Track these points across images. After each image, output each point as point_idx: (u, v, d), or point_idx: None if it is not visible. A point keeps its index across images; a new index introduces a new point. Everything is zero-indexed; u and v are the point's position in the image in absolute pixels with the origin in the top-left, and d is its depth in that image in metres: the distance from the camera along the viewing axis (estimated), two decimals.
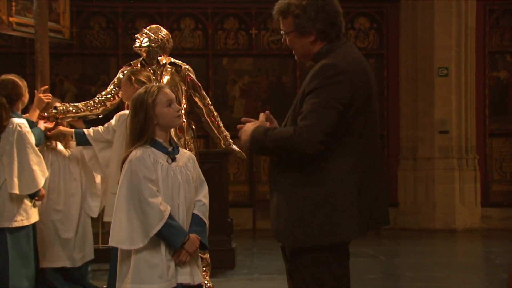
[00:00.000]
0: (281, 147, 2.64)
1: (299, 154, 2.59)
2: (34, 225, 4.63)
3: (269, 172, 2.89)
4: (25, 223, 4.48)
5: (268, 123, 2.81)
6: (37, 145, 4.67)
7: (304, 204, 2.63)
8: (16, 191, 4.38)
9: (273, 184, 2.79)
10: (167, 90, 3.13)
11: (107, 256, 6.31)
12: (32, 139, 4.47)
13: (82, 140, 4.87)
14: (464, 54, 9.69)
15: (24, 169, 4.41)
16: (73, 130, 4.94)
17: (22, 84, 4.59)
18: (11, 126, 4.43)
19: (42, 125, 4.85)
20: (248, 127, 2.76)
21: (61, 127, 4.99)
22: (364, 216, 2.66)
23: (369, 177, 2.69)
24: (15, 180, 4.37)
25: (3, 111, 4.45)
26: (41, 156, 4.55)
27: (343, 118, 2.60)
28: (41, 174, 4.50)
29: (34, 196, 4.53)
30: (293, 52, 2.89)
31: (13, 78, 4.59)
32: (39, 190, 4.53)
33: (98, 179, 5.16)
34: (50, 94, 5.04)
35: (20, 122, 4.47)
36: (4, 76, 4.63)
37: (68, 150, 5.07)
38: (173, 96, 3.15)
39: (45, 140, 4.86)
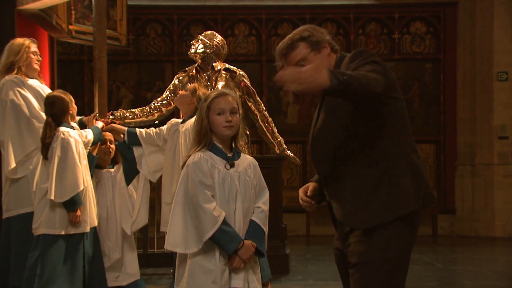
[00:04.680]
0: (365, 82, 2.52)
1: (377, 89, 2.54)
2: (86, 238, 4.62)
3: (328, 163, 2.83)
4: (60, 232, 4.46)
5: None
6: (96, 142, 4.74)
7: (364, 186, 2.69)
8: (52, 197, 4.38)
9: (329, 178, 2.81)
10: (227, 98, 3.09)
11: (162, 261, 6.41)
12: (74, 147, 4.44)
13: (133, 140, 4.88)
14: None
15: (59, 176, 4.40)
16: (126, 128, 4.96)
17: (67, 98, 4.61)
18: (57, 134, 4.49)
19: (99, 124, 4.94)
20: (303, 69, 2.47)
21: (114, 124, 5.02)
22: (420, 190, 2.72)
23: (416, 155, 2.77)
24: (52, 186, 4.38)
25: (48, 129, 4.50)
26: (80, 167, 4.47)
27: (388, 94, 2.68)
28: (73, 184, 4.43)
29: (70, 209, 4.45)
30: None
31: (58, 94, 4.59)
32: (75, 203, 4.45)
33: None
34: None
35: (65, 129, 4.49)
36: (49, 94, 4.66)
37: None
38: (231, 106, 3.08)
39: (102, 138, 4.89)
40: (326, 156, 2.82)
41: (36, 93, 4.89)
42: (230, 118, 3.06)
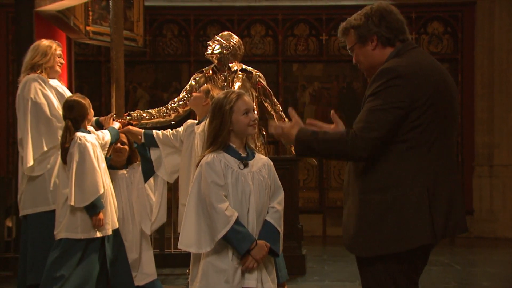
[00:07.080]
0: (332, 149, 2.64)
1: (351, 157, 2.61)
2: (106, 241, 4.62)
3: (344, 180, 2.86)
4: (81, 236, 4.48)
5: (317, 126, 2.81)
6: (113, 143, 4.77)
7: (370, 212, 2.61)
8: (72, 202, 4.41)
9: (345, 192, 2.79)
10: (246, 98, 3.15)
11: (178, 261, 6.43)
12: (91, 152, 4.46)
13: (150, 141, 4.91)
14: None
15: (78, 181, 4.43)
16: (142, 130, 4.99)
17: (86, 102, 4.64)
18: (74, 139, 4.49)
19: (116, 124, 4.96)
20: (288, 129, 2.77)
21: (130, 127, 5.05)
22: (437, 222, 2.58)
23: (442, 182, 2.61)
24: (72, 191, 4.40)
25: (68, 133, 4.51)
26: (98, 171, 4.49)
27: (405, 121, 2.56)
28: (93, 189, 4.45)
29: (92, 213, 4.47)
30: (363, 71, 2.90)
31: (77, 99, 4.61)
32: (96, 206, 4.47)
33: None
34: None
35: (82, 135, 4.51)
36: (69, 98, 4.68)
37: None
38: (251, 104, 3.16)
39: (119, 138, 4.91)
40: (346, 178, 2.81)
41: (56, 92, 4.95)
42: (255, 116, 3.13)
